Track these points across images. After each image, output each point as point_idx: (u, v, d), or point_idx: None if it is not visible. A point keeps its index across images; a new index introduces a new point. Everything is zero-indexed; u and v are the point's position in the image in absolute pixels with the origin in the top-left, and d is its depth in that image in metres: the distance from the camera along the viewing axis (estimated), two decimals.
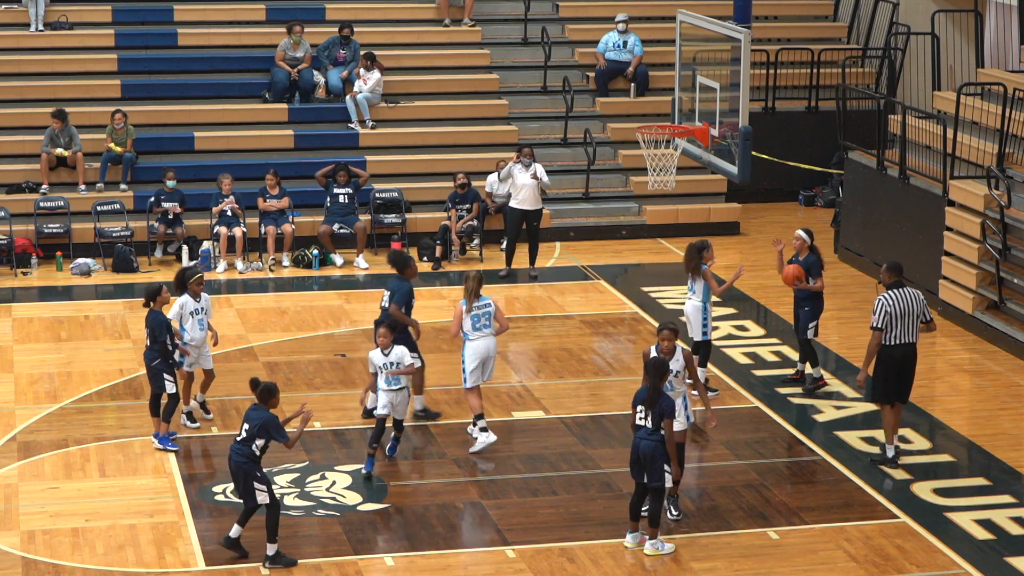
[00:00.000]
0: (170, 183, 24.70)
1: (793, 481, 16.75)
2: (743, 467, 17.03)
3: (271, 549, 14.60)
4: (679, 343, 15.69)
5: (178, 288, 17.71)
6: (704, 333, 18.61)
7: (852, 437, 17.88)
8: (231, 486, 15.92)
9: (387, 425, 16.68)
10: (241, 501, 14.76)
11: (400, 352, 16.62)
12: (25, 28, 27.63)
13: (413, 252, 25.06)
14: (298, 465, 16.87)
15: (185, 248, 24.43)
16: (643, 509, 14.97)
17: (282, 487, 16.29)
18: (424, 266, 24.61)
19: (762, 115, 27.63)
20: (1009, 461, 17.26)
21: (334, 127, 26.92)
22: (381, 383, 16.56)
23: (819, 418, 18.54)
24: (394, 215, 25.50)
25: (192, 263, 24.10)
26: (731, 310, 22.59)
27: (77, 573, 14.56)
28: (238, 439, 14.67)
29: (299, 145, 26.57)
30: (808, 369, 19.45)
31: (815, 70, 28.07)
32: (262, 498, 14.57)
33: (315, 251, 24.50)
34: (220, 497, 16.07)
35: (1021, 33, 25.08)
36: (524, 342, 21.20)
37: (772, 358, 20.48)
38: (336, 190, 24.87)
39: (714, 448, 17.51)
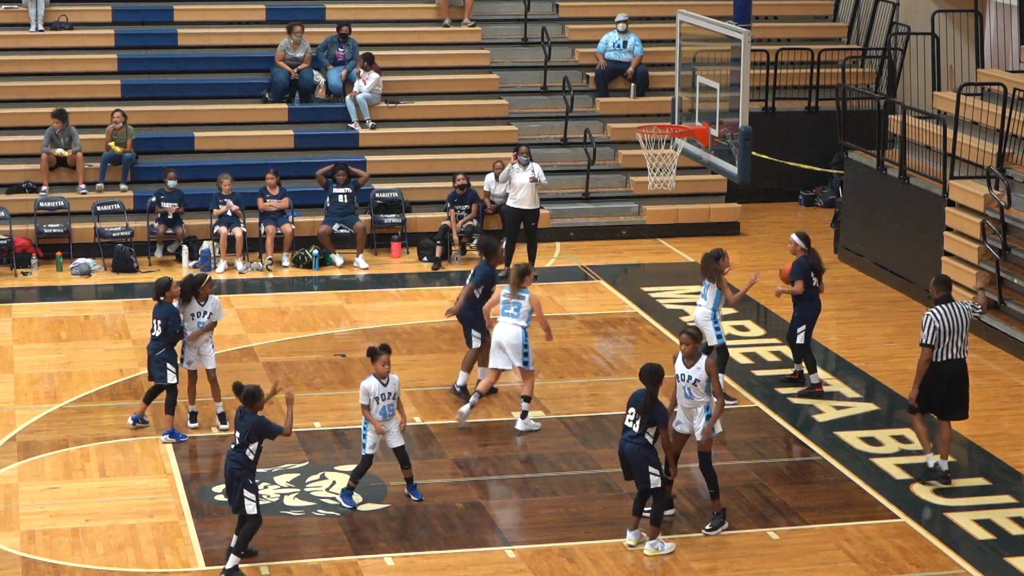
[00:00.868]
0: (171, 183, 24.70)
1: (793, 481, 16.75)
2: (743, 467, 17.03)
3: (232, 561, 14.30)
4: (703, 356, 15.42)
5: (188, 296, 17.56)
6: (718, 338, 18.31)
7: (852, 437, 17.89)
8: None
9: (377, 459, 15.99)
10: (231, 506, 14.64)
11: (397, 383, 15.70)
12: (25, 28, 27.63)
13: (413, 252, 25.10)
14: (298, 465, 16.87)
15: (185, 248, 24.42)
16: (646, 509, 14.99)
17: (282, 487, 16.30)
18: (424, 266, 24.63)
19: (762, 115, 27.64)
20: (1009, 461, 17.26)
21: (334, 127, 26.93)
22: (378, 413, 15.66)
23: (819, 418, 18.54)
24: (394, 215, 25.50)
25: (192, 263, 24.14)
26: (731, 310, 22.57)
27: (77, 573, 14.56)
28: (233, 446, 14.55)
29: (299, 145, 26.57)
30: (799, 367, 19.41)
31: (815, 70, 28.08)
32: (251, 508, 14.36)
33: (315, 251, 24.51)
34: (220, 497, 16.04)
35: (1021, 33, 25.08)
36: None
37: (772, 358, 20.48)
38: (336, 190, 24.87)
39: (714, 448, 17.47)
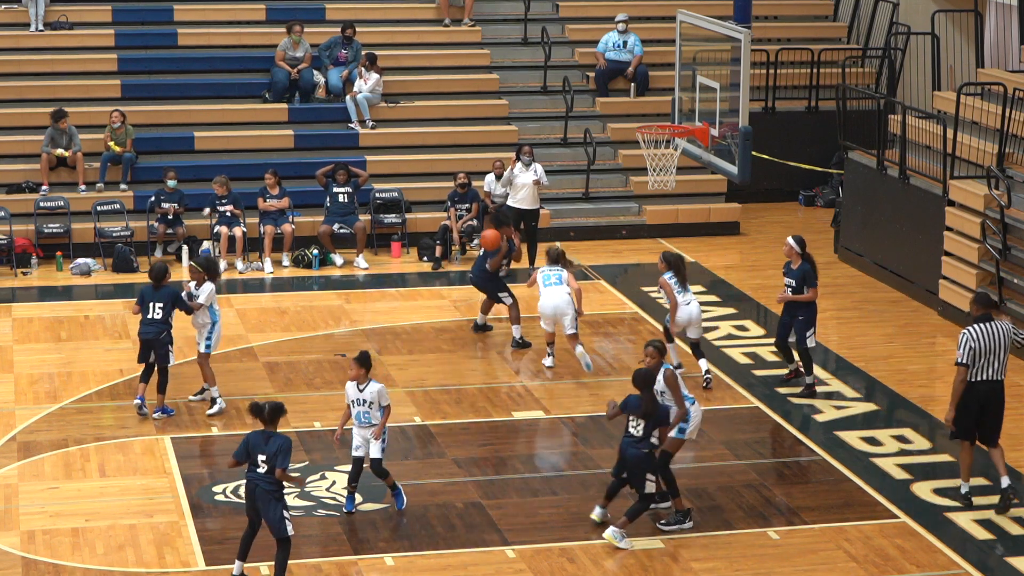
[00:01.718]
0: (171, 183, 24.70)
1: (793, 481, 16.75)
2: (743, 467, 17.03)
3: None
4: (665, 361, 15.44)
5: (214, 275, 18.29)
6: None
7: (852, 437, 17.89)
8: (231, 486, 16.01)
9: (365, 465, 15.77)
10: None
11: (375, 392, 15.34)
12: (25, 28, 27.63)
13: (413, 252, 25.10)
14: (298, 465, 16.86)
15: (185, 248, 24.42)
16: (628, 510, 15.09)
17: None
18: (424, 266, 24.63)
19: (762, 115, 27.63)
20: (1009, 461, 17.18)
21: (334, 127, 26.93)
22: (354, 417, 15.51)
23: (819, 418, 18.54)
24: (394, 215, 25.50)
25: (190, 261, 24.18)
26: (731, 310, 22.60)
27: (77, 573, 14.56)
28: (260, 470, 13.81)
29: (299, 145, 26.57)
30: (794, 365, 19.34)
31: (815, 70, 28.08)
32: (290, 529, 13.90)
33: (315, 251, 24.51)
34: (220, 497, 16.07)
35: (1021, 33, 25.08)
36: None
37: (772, 358, 20.47)
38: (336, 189, 24.88)
39: (714, 448, 17.51)
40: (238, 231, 24.29)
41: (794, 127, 28.12)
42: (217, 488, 16.23)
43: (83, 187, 25.17)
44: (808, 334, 18.87)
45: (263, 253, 24.41)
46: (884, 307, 22.89)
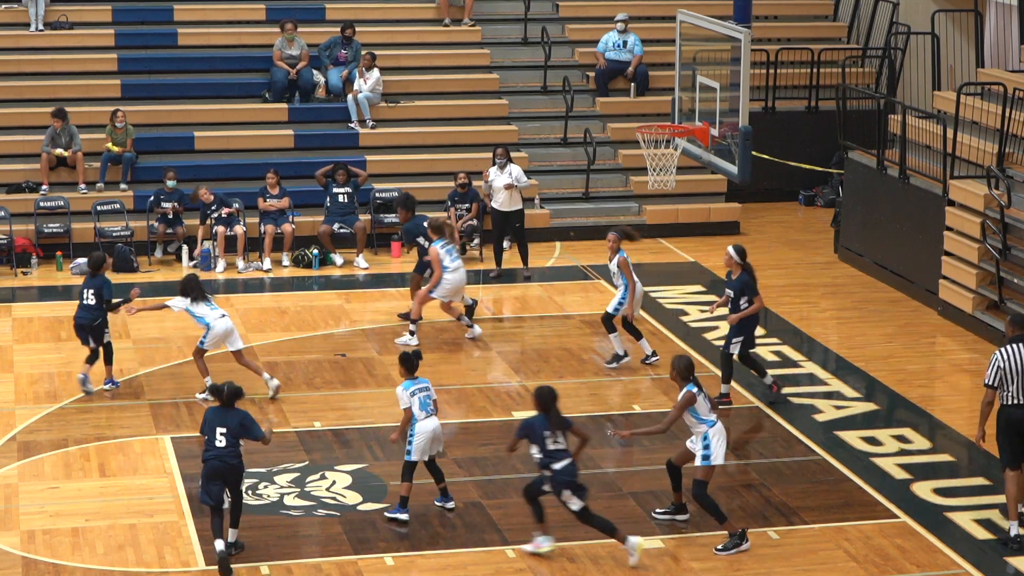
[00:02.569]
0: (170, 183, 24.71)
1: (793, 481, 16.74)
2: (743, 467, 17.03)
3: (235, 535, 14.75)
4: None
5: (186, 292, 18.57)
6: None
7: (852, 437, 17.89)
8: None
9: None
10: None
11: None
12: (25, 28, 27.63)
13: (413, 252, 25.05)
14: (298, 465, 16.87)
15: (185, 248, 24.43)
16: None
17: (282, 487, 16.30)
18: None
19: (762, 115, 27.63)
20: None
21: (334, 127, 26.93)
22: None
23: (819, 418, 18.53)
24: (394, 215, 25.48)
25: (192, 263, 24.17)
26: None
27: (77, 573, 14.56)
28: (221, 444, 14.48)
29: (299, 145, 26.57)
30: (725, 388, 18.82)
31: (815, 70, 28.08)
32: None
33: (315, 251, 24.50)
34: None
35: (1021, 33, 25.07)
36: (524, 342, 21.21)
37: (772, 358, 20.47)
38: (335, 189, 24.88)
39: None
40: (238, 229, 24.29)
41: (794, 127, 28.12)
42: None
43: (83, 187, 25.17)
44: (735, 341, 18.43)
45: (263, 253, 24.40)
46: (884, 307, 22.88)
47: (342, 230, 24.69)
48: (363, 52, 27.15)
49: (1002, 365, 15.04)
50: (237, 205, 24.60)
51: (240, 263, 24.23)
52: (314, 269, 24.43)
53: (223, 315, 18.66)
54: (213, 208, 24.37)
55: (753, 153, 19.48)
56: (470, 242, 25.02)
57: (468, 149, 26.83)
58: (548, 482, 14.66)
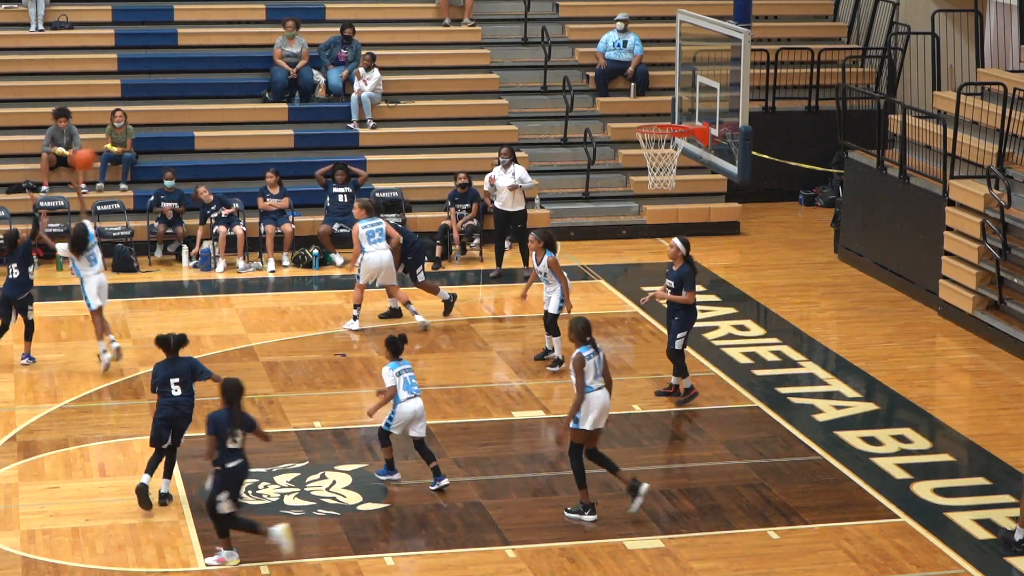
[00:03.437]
0: (168, 183, 24.71)
1: (793, 481, 16.73)
2: (743, 467, 17.03)
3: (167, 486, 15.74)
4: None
5: (73, 247, 19.71)
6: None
7: (852, 437, 17.89)
8: None
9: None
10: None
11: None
12: (25, 28, 27.63)
13: None
14: (298, 465, 16.87)
15: (185, 248, 24.43)
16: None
17: (282, 487, 16.30)
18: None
19: (762, 115, 27.64)
20: (1009, 461, 17.25)
21: (334, 127, 26.93)
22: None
23: (819, 418, 18.54)
24: (394, 215, 25.47)
25: (192, 263, 24.20)
26: (731, 310, 22.60)
27: (77, 573, 14.56)
28: (177, 393, 15.54)
29: (299, 145, 26.57)
30: (675, 380, 18.88)
31: (815, 70, 28.08)
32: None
33: (315, 251, 24.51)
34: (220, 496, 16.04)
35: (1021, 33, 25.08)
36: (524, 342, 21.20)
37: (772, 358, 20.48)
38: (335, 189, 24.88)
39: (714, 448, 17.51)
40: (238, 229, 24.29)
41: (794, 127, 28.12)
42: None
43: (83, 187, 25.14)
44: (679, 336, 18.50)
45: (264, 253, 24.40)
46: (884, 307, 22.89)
47: (342, 230, 24.68)
48: (363, 52, 27.16)
49: None
50: (237, 205, 24.62)
51: (240, 263, 24.23)
52: (314, 269, 24.43)
53: (100, 271, 19.68)
54: (213, 208, 24.38)
55: (753, 153, 19.48)
56: (470, 242, 25.03)
57: (468, 149, 26.83)
58: (213, 476, 14.47)
